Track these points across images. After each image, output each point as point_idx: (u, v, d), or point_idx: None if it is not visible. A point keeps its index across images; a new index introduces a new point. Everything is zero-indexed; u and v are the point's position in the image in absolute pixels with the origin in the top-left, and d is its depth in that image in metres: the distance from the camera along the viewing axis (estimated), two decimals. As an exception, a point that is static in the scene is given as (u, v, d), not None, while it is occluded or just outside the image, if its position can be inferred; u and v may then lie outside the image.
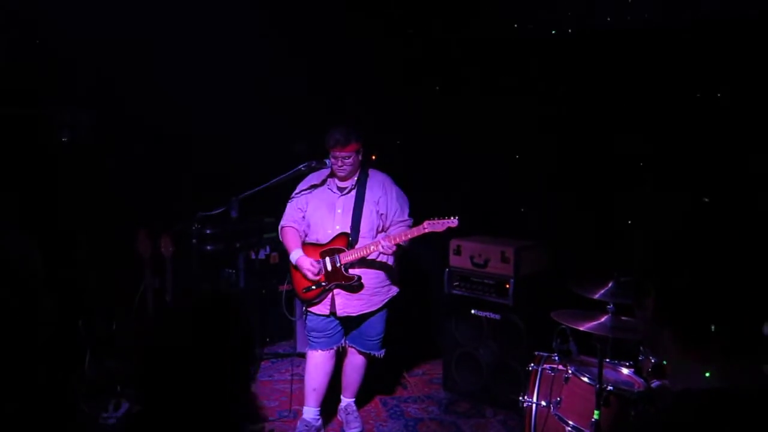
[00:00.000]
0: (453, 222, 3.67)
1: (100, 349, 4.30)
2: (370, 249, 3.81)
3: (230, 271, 5.30)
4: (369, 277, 3.96)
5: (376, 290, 3.99)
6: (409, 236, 3.78)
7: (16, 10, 4.27)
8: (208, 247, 5.02)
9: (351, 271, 3.90)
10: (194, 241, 4.17)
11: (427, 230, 3.71)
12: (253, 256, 5.37)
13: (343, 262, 3.88)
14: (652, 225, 3.64)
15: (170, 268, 4.43)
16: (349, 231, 3.90)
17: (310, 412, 4.11)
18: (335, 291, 3.95)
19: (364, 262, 3.92)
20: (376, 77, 5.09)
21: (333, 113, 4.66)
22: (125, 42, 4.48)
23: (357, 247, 3.87)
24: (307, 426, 4.08)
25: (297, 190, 4.10)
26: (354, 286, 3.92)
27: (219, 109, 4.96)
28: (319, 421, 4.14)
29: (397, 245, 3.79)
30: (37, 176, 4.29)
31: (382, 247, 3.75)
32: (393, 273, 4.05)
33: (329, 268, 3.89)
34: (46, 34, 4.34)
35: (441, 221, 3.68)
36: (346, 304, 3.96)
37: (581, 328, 3.08)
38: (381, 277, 4.00)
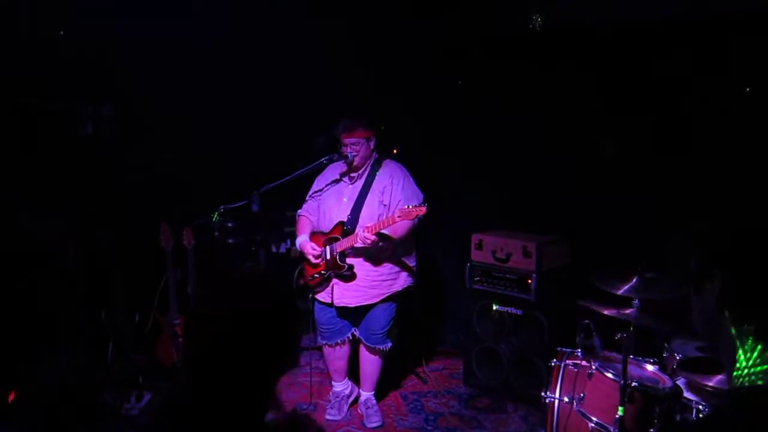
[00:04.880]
0: (421, 209, 3.64)
1: (122, 340, 4.34)
2: (357, 238, 3.82)
3: (251, 264, 5.32)
4: (366, 269, 3.98)
5: (374, 283, 4.00)
6: (383, 226, 3.75)
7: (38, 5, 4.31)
8: (230, 240, 5.04)
9: (348, 260, 3.94)
10: (216, 234, 4.20)
11: (399, 219, 3.69)
12: (274, 250, 5.38)
13: (337, 251, 3.92)
14: (723, 211, 3.53)
15: (192, 261, 4.47)
16: (345, 220, 3.93)
17: (338, 385, 4.30)
18: (334, 280, 4.01)
19: (361, 253, 3.94)
20: (400, 67, 5.05)
21: (356, 105, 4.63)
22: (147, 35, 4.48)
23: (351, 235, 3.90)
24: (336, 396, 4.27)
25: (315, 182, 4.19)
26: (345, 276, 3.96)
27: (241, 102, 4.96)
28: (349, 388, 4.33)
29: (386, 237, 3.80)
30: (60, 169, 4.32)
31: (360, 238, 3.77)
32: (396, 266, 4.05)
33: (328, 256, 3.96)
34: (70, 28, 4.36)
35: (411, 209, 3.65)
36: (342, 294, 4.01)
37: (605, 312, 3.05)
38: (380, 270, 4.00)
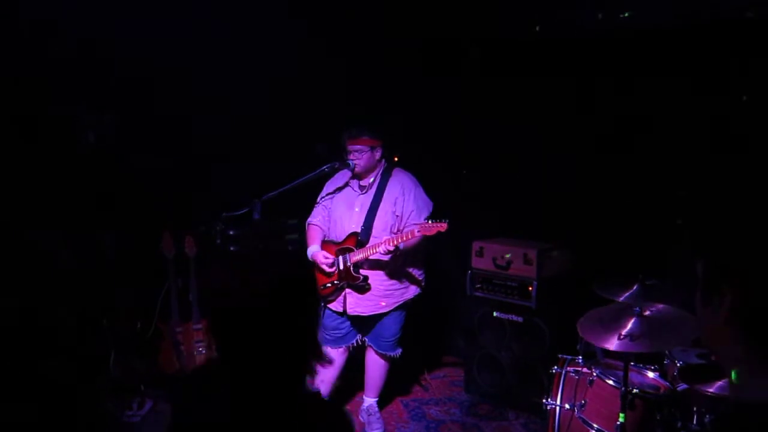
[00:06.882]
0: (442, 226, 3.65)
1: (124, 348, 4.35)
2: (374, 250, 3.83)
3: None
4: (380, 278, 3.98)
5: (387, 292, 4.00)
6: (402, 240, 3.75)
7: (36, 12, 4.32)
8: (231, 248, 5.04)
9: (362, 271, 3.94)
10: (218, 241, 4.20)
11: (418, 234, 3.70)
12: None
13: (351, 262, 3.91)
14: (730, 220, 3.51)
15: (193, 269, 4.48)
16: (359, 230, 3.93)
17: None
18: (347, 290, 4.00)
19: (375, 264, 3.94)
20: (400, 72, 5.07)
21: (357, 112, 4.65)
22: (150, 41, 4.50)
23: (366, 246, 3.89)
24: None
25: (324, 189, 4.17)
26: (360, 287, 3.95)
27: (243, 110, 4.97)
28: None
29: (398, 249, 3.81)
30: (63, 177, 4.34)
31: (377, 250, 3.79)
32: (408, 275, 4.06)
33: (341, 266, 3.95)
34: (69, 36, 4.37)
35: (432, 225, 3.66)
36: (356, 303, 4.00)
37: (611, 348, 2.92)
38: (393, 279, 4.01)
